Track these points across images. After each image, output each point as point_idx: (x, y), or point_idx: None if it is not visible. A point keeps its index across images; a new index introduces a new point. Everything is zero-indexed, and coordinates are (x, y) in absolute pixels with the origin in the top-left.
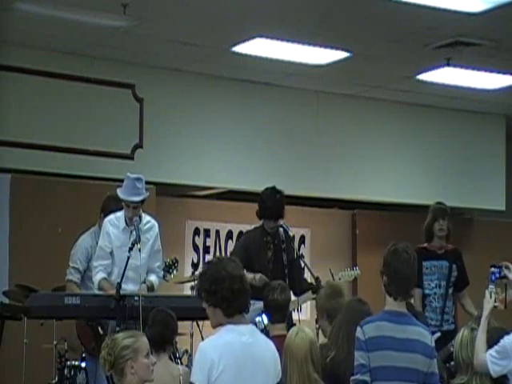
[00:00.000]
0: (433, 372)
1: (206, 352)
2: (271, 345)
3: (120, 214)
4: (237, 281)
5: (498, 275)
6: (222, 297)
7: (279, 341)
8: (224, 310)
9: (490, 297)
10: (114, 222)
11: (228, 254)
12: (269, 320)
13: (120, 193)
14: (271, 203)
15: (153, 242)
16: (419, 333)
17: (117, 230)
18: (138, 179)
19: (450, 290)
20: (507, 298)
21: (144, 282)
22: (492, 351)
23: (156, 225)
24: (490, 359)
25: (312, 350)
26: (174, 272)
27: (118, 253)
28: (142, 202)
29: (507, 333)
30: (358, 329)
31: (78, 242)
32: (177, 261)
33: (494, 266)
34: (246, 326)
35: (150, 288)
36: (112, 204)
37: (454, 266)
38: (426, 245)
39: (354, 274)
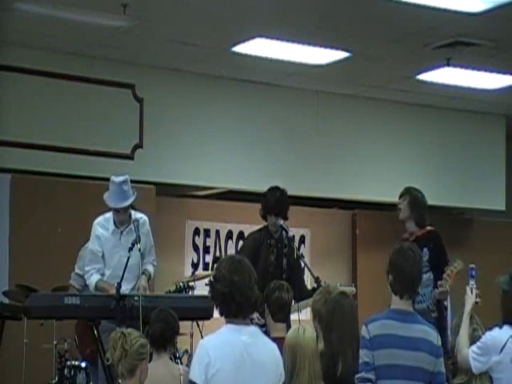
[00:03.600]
0: (439, 371)
1: (204, 349)
2: (273, 347)
3: (109, 215)
4: (226, 285)
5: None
6: (212, 297)
7: (280, 343)
8: (218, 308)
9: (471, 292)
10: (103, 224)
11: (229, 253)
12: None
13: (108, 200)
14: (270, 197)
15: (145, 238)
16: (425, 331)
17: (106, 232)
18: (124, 182)
19: (424, 276)
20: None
21: (143, 273)
22: (474, 347)
23: (147, 220)
24: (472, 355)
25: (317, 348)
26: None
27: (108, 255)
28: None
29: (489, 329)
30: (363, 327)
31: (86, 246)
32: (189, 286)
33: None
34: (247, 327)
35: (148, 277)
36: None
37: (425, 250)
38: (405, 234)
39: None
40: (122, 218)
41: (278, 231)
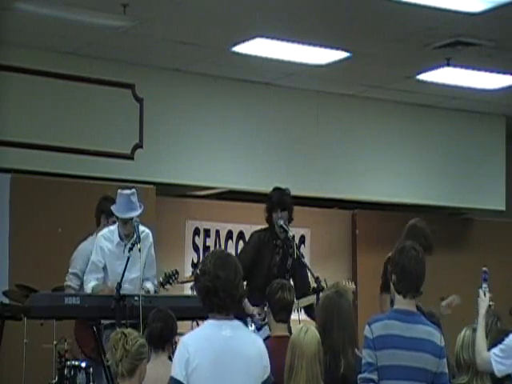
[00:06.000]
0: (442, 372)
1: (184, 345)
2: (257, 340)
3: (113, 227)
4: (210, 279)
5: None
6: (198, 290)
7: (281, 342)
8: (202, 303)
9: (484, 295)
10: (108, 236)
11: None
12: (272, 318)
13: (115, 211)
14: (274, 195)
15: (147, 251)
16: (428, 332)
17: (111, 244)
18: (132, 194)
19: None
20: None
21: (142, 289)
22: (496, 350)
23: (150, 234)
24: (495, 358)
25: (319, 350)
26: (174, 283)
27: (111, 267)
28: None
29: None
30: (367, 327)
31: (78, 248)
32: (177, 272)
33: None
34: (228, 321)
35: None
36: (110, 204)
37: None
38: None
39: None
40: (129, 231)
41: (283, 232)
